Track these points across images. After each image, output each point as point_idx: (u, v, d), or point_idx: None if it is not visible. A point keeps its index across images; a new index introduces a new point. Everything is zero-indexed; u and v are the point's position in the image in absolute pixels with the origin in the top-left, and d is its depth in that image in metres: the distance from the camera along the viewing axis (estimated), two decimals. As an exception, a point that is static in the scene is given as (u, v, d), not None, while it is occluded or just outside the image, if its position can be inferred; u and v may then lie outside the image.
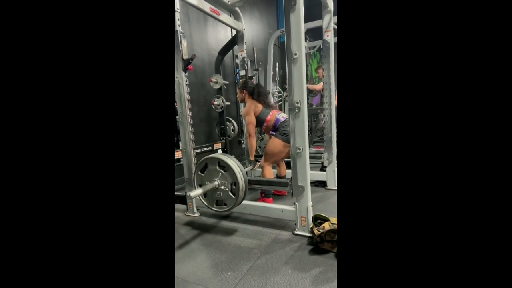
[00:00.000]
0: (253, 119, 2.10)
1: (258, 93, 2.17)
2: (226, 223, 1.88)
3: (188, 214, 2.07)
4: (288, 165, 2.31)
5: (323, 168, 2.61)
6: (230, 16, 2.69)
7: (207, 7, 2.23)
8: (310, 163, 3.20)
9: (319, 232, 1.37)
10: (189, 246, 1.59)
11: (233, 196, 1.57)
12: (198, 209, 2.07)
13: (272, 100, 2.26)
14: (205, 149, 2.73)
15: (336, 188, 2.48)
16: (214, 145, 2.86)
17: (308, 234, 1.57)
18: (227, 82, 3.01)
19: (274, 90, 5.45)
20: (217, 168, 1.60)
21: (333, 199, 2.27)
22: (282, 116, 2.12)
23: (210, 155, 1.64)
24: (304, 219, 1.59)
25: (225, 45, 2.87)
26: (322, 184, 2.61)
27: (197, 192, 1.48)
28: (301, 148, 1.54)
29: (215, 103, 2.91)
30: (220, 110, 2.94)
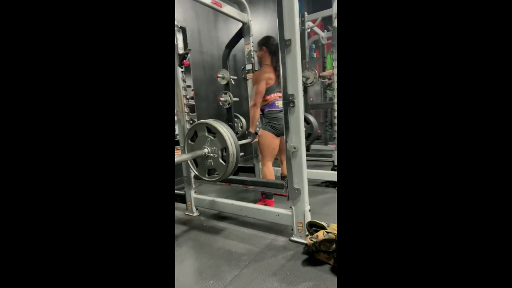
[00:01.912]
0: (262, 89, 1.87)
1: (276, 57, 1.86)
2: (223, 225, 1.80)
3: (187, 213, 2.02)
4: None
5: (334, 167, 2.42)
6: (243, 10, 2.55)
7: (207, -1, 2.13)
8: (321, 161, 3.02)
9: (312, 242, 1.22)
10: (180, 248, 1.52)
11: (224, 163, 1.46)
12: (197, 209, 2.01)
13: None
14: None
15: (348, 189, 2.28)
16: (221, 142, 2.78)
17: (305, 241, 1.42)
18: (235, 77, 2.91)
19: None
20: (206, 134, 1.48)
21: (343, 201, 2.08)
22: (281, 104, 1.96)
23: (199, 121, 1.53)
24: (301, 224, 1.45)
25: (232, 39, 2.76)
26: (333, 184, 2.42)
27: (181, 157, 1.40)
28: (296, 147, 1.40)
29: (222, 99, 2.83)
30: (228, 106, 2.85)
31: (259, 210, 1.66)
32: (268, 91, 1.94)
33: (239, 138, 3.08)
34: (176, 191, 2.09)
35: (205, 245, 1.54)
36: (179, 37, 1.83)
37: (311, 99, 5.68)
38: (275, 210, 1.59)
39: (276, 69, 1.93)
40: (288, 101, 1.37)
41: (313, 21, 3.79)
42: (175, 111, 1.92)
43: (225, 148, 1.43)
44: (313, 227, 1.32)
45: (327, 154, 2.86)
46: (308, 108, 3.62)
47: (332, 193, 2.28)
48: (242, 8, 2.57)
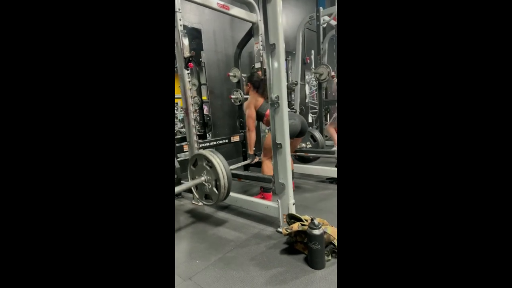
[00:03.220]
0: (252, 113, 2.11)
1: (261, 87, 2.16)
2: (221, 214, 1.97)
3: (194, 202, 2.23)
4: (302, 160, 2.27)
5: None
6: (252, 11, 2.64)
7: (214, 3, 2.27)
8: (327, 157, 3.02)
9: (287, 232, 1.33)
10: (179, 233, 1.72)
11: (217, 192, 1.64)
12: (202, 199, 2.21)
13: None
14: (221, 141, 2.84)
15: (349, 186, 2.31)
16: (232, 137, 2.94)
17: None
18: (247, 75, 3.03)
19: (309, 79, 5.21)
20: (204, 164, 1.67)
21: (341, 197, 2.12)
22: None
23: (199, 151, 1.72)
24: (285, 216, 1.55)
25: (242, 38, 2.88)
26: (337, 181, 2.45)
27: (182, 187, 1.61)
28: (280, 144, 1.49)
29: (233, 96, 2.98)
30: (239, 103, 2.99)
31: (251, 202, 1.79)
32: (263, 109, 2.12)
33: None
34: (185, 182, 2.31)
35: (202, 231, 1.72)
36: (184, 42, 2.00)
37: (334, 94, 5.57)
38: (264, 203, 1.71)
39: (261, 94, 2.17)
40: (273, 102, 1.47)
41: (333, 17, 3.73)
42: (183, 108, 2.11)
43: (217, 179, 1.61)
44: (292, 219, 1.42)
45: (329, 151, 2.87)
46: (322, 104, 3.62)
47: (333, 189, 2.33)
48: (251, 9, 2.67)
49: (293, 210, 1.55)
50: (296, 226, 1.31)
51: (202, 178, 1.68)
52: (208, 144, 2.73)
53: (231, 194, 1.94)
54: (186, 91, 2.06)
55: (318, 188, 2.40)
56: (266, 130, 2.36)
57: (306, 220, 1.41)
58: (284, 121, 1.47)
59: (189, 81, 2.08)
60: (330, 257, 1.28)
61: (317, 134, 2.86)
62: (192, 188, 1.77)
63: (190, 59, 2.00)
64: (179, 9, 1.97)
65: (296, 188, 2.42)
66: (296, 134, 2.10)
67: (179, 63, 2.03)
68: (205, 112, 3.45)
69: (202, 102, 3.70)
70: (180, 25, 1.97)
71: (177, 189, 1.60)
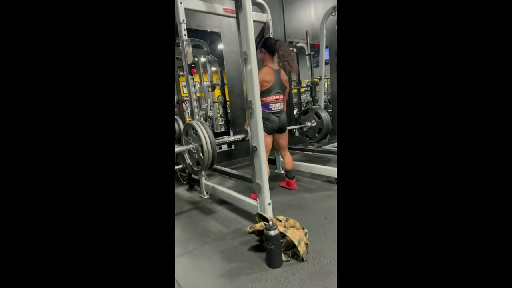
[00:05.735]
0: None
1: (278, 53, 2.01)
2: (219, 208, 2.13)
3: (201, 195, 2.45)
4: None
5: (344, 165, 2.36)
6: (264, 11, 2.70)
7: (220, 9, 2.39)
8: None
9: (250, 231, 1.41)
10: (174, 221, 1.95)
11: (202, 157, 1.78)
12: (207, 192, 2.41)
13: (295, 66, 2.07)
14: (235, 139, 2.99)
15: (353, 188, 2.21)
16: (247, 136, 3.07)
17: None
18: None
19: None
20: (192, 132, 1.83)
21: (340, 200, 2.07)
22: (275, 107, 2.09)
23: (188, 122, 1.89)
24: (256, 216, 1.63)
25: (255, 38, 2.94)
26: (343, 182, 2.37)
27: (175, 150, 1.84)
28: (255, 147, 1.56)
29: (248, 95, 3.09)
30: (254, 102, 3.09)
31: (238, 199, 1.91)
32: (265, 93, 2.05)
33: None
34: (194, 176, 2.54)
35: (194, 221, 1.91)
36: (188, 50, 2.18)
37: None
38: (248, 200, 1.80)
39: (279, 65, 2.08)
40: (248, 106, 1.54)
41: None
42: (189, 111, 2.32)
43: (201, 145, 1.73)
44: (261, 218, 1.49)
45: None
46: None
47: (335, 191, 2.27)
48: (262, 10, 2.71)
49: (269, 210, 1.61)
50: (258, 226, 1.38)
51: (191, 146, 1.85)
52: (221, 141, 2.93)
53: (225, 190, 2.09)
54: (191, 94, 2.26)
55: (321, 189, 2.37)
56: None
57: (280, 221, 1.47)
58: (258, 125, 1.53)
59: (194, 86, 2.27)
60: (289, 258, 1.32)
61: (322, 113, 2.73)
62: (187, 156, 1.97)
63: (193, 65, 2.18)
64: (183, 20, 2.15)
65: (299, 187, 2.43)
66: (275, 130, 2.12)
67: (184, 70, 2.24)
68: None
69: (225, 100, 3.91)
70: (185, 35, 2.16)
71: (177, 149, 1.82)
